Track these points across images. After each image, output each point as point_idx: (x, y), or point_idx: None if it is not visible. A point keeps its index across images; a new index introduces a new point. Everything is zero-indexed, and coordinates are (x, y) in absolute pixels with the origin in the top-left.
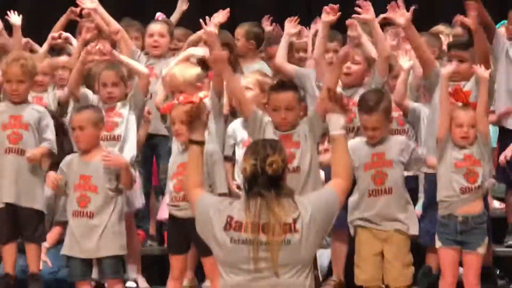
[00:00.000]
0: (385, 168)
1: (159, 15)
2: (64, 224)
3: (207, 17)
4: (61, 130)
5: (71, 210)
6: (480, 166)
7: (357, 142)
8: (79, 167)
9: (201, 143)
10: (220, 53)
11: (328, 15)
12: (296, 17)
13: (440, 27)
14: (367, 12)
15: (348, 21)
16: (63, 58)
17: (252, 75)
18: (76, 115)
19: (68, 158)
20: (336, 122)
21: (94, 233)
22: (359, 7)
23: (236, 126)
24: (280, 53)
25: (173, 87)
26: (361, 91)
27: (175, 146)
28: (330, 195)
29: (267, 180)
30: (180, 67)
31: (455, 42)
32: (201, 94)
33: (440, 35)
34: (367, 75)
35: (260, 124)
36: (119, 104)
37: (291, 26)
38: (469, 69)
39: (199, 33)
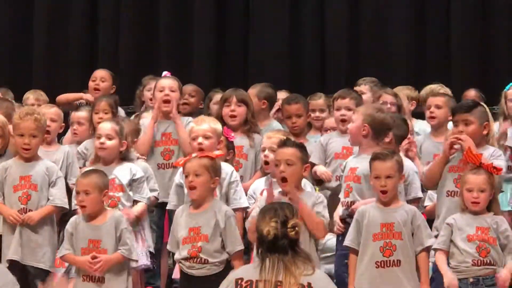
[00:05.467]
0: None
1: (166, 73)
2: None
3: None
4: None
5: (80, 272)
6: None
7: None
8: (87, 231)
9: None
10: None
11: None
12: None
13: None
14: None
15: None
16: None
17: (275, 134)
18: (81, 178)
19: (73, 220)
20: None
21: None
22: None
23: (260, 186)
24: None
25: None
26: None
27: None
28: None
29: (288, 243)
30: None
31: (458, 105)
32: (217, 152)
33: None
34: None
35: None
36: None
37: None
38: (476, 131)
39: None
